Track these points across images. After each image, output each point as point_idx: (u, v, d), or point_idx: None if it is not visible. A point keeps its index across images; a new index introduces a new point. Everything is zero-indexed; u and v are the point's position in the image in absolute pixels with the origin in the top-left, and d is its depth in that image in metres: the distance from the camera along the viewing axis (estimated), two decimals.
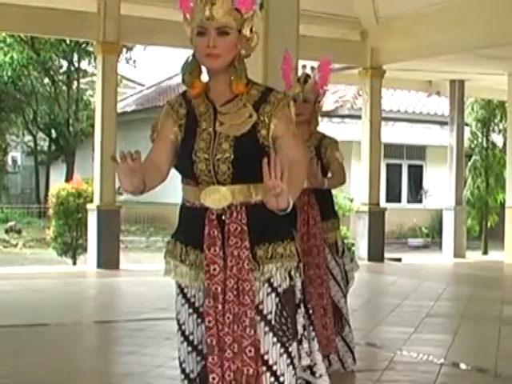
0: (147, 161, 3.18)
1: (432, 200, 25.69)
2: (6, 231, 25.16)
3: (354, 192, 18.95)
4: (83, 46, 27.98)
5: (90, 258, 14.46)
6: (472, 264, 17.17)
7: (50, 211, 17.20)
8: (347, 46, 16.02)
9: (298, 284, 3.19)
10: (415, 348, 7.28)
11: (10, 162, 34.96)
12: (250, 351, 3.05)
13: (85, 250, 15.35)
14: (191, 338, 3.18)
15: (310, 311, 3.28)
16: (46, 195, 27.14)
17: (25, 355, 6.92)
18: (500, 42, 13.44)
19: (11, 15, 13.56)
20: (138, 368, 6.29)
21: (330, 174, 6.04)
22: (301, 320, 3.17)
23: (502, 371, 6.48)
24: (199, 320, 3.15)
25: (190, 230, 3.20)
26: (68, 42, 27.56)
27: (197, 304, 3.17)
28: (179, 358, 3.24)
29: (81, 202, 15.65)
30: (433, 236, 24.80)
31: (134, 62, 31.57)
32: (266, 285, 3.11)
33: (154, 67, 54.85)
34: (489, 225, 21.35)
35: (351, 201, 18.85)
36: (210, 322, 3.07)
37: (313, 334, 3.24)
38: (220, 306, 3.07)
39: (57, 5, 13.57)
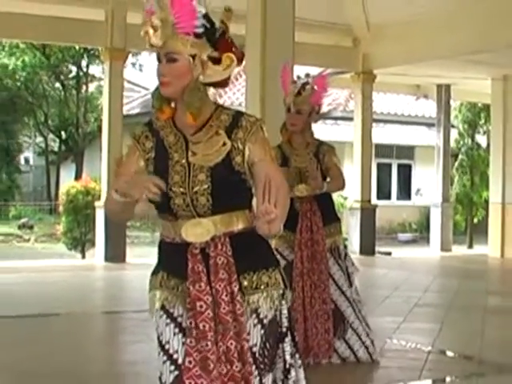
0: None
1: (421, 197, 25.71)
2: (19, 227, 25.19)
3: (347, 190, 18.92)
4: (92, 51, 27.95)
5: (97, 252, 14.48)
6: (458, 257, 17.18)
7: (61, 208, 17.23)
8: (340, 52, 16.03)
9: (285, 312, 2.87)
10: (404, 336, 7.30)
11: (22, 161, 34.91)
12: None
13: (93, 244, 15.37)
14: (175, 356, 2.82)
15: (297, 338, 2.96)
16: (57, 193, 27.20)
17: (37, 344, 6.95)
18: (484, 49, 13.48)
19: (25, 24, 13.61)
20: (146, 356, 6.28)
21: (328, 179, 5.97)
22: (288, 349, 2.85)
23: (485, 358, 6.51)
24: (184, 340, 2.81)
25: (172, 264, 2.87)
26: (77, 48, 27.55)
27: (183, 325, 2.82)
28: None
29: (89, 199, 15.69)
30: (421, 231, 24.81)
31: (140, 67, 31.55)
32: (254, 315, 2.81)
33: None
34: (476, 220, 21.37)
35: (345, 198, 18.86)
36: (190, 362, 2.74)
37: (299, 361, 2.92)
38: (210, 344, 2.72)
39: (67, 14, 13.60)
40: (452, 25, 13.69)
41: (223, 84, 2.87)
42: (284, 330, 2.85)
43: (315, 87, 5.93)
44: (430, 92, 19.48)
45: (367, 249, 16.20)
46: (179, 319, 2.83)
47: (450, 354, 6.81)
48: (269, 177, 2.56)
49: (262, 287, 2.81)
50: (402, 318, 8.38)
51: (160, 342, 2.85)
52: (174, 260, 2.85)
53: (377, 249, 16.74)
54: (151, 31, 2.73)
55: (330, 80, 6.10)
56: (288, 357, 2.84)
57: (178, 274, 2.83)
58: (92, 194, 15.75)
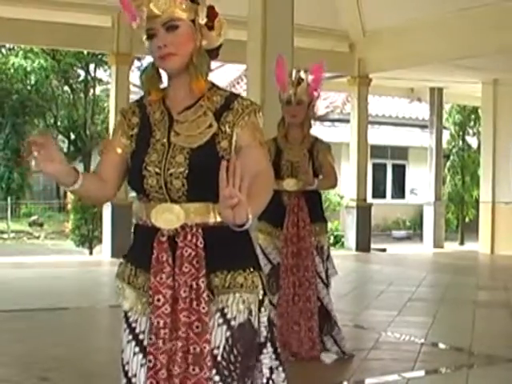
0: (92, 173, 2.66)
1: (415, 196, 25.71)
2: (30, 224, 25.20)
3: (343, 189, 18.95)
4: (99, 56, 27.96)
5: (104, 248, 14.49)
6: (450, 254, 17.19)
7: (69, 206, 17.25)
8: (337, 57, 16.00)
9: (264, 320, 2.50)
10: (398, 329, 7.29)
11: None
12: None
13: (100, 241, 15.38)
14: (133, 380, 2.51)
15: (279, 350, 2.56)
16: (65, 192, 27.20)
17: (48, 335, 6.96)
18: (475, 54, 13.49)
19: (36, 30, 13.63)
20: None
21: (321, 177, 5.75)
22: (266, 361, 2.50)
23: (476, 350, 6.51)
24: (143, 361, 2.49)
25: (141, 251, 2.53)
26: (85, 53, 27.56)
27: (145, 343, 2.50)
28: None
29: None
30: (414, 228, 24.80)
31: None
32: (218, 314, 2.43)
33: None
34: (467, 219, 21.37)
35: (341, 197, 18.88)
36: (150, 361, 2.43)
37: (283, 375, 2.54)
38: (160, 343, 2.41)
39: (76, 20, 13.61)
40: (444, 31, 13.70)
41: (214, 55, 2.62)
42: (262, 340, 2.50)
43: (312, 77, 5.76)
44: (423, 95, 19.49)
45: (363, 245, 16.20)
46: (141, 336, 2.52)
47: (441, 346, 6.80)
48: (236, 158, 2.27)
49: (235, 288, 2.45)
50: (396, 311, 8.38)
51: (122, 360, 2.57)
52: (143, 247, 2.52)
53: (372, 245, 16.74)
54: (147, 1, 2.47)
55: (324, 67, 5.86)
56: (266, 370, 2.50)
57: (145, 265, 2.50)
58: None
